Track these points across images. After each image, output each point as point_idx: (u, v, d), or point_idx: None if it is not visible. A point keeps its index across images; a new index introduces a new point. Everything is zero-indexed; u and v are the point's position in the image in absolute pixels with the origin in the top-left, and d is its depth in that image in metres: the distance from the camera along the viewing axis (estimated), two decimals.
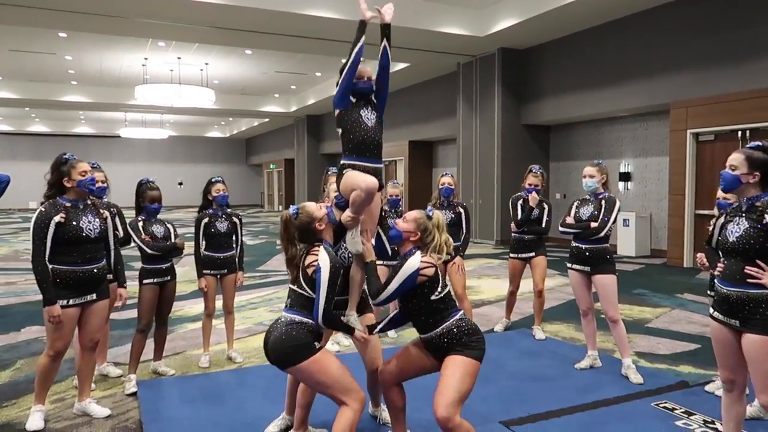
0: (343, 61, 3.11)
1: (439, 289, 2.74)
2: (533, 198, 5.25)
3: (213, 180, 4.64)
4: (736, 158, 2.67)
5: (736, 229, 2.59)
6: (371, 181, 2.92)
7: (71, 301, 3.33)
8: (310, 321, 2.73)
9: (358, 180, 2.94)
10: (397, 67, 15.46)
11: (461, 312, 2.80)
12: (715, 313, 2.67)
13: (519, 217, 5.33)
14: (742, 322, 2.53)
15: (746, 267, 2.51)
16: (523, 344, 5.22)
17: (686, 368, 4.54)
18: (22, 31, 12.99)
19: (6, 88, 19.50)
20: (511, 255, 5.54)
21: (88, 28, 11.89)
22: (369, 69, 3.19)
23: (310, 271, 2.74)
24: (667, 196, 10.53)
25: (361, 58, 3.08)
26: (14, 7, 9.88)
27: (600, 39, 11.46)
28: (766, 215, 2.50)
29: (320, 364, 2.67)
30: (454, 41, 12.39)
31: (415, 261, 2.72)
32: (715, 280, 2.71)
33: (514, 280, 5.58)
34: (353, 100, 3.14)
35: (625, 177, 12.18)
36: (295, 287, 2.82)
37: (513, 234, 5.48)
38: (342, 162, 3.11)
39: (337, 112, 3.15)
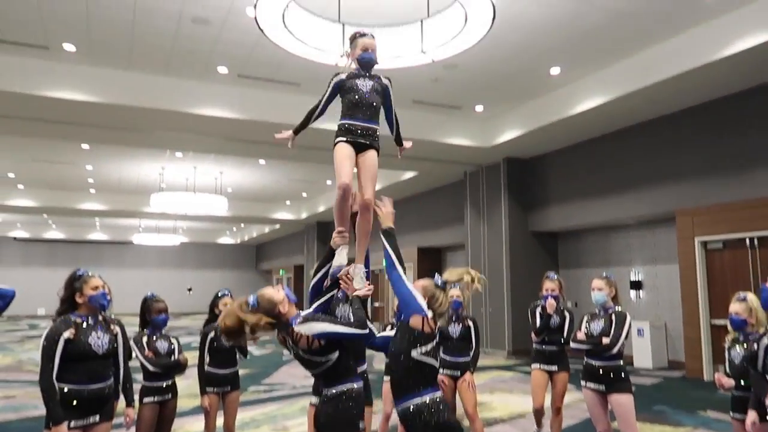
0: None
1: (425, 350, 2.56)
2: (550, 304, 5.09)
3: (220, 294, 4.63)
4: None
5: None
6: (342, 180, 2.97)
7: (73, 423, 3.20)
8: (354, 386, 2.66)
9: (338, 169, 3.03)
10: (405, 176, 15.90)
11: (439, 394, 2.56)
12: None
13: (537, 325, 5.15)
14: None
15: None
16: None
17: None
18: (46, 143, 13.61)
19: (26, 196, 20.12)
20: (533, 366, 5.27)
21: (110, 141, 12.45)
22: (374, 42, 3.29)
23: (311, 344, 2.62)
24: (681, 304, 10.32)
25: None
26: (43, 122, 10.42)
27: (602, 148, 11.78)
28: None
29: None
30: (461, 151, 12.80)
31: (425, 304, 2.65)
32: None
33: (537, 395, 5.20)
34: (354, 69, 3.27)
35: (636, 285, 12.02)
36: (318, 370, 2.70)
37: (534, 344, 5.27)
38: (338, 123, 3.20)
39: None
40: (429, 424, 2.46)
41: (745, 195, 9.09)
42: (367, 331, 2.70)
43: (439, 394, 2.58)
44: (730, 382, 3.60)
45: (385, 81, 3.36)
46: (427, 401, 2.51)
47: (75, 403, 3.20)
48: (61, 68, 9.18)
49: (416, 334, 2.58)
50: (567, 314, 5.13)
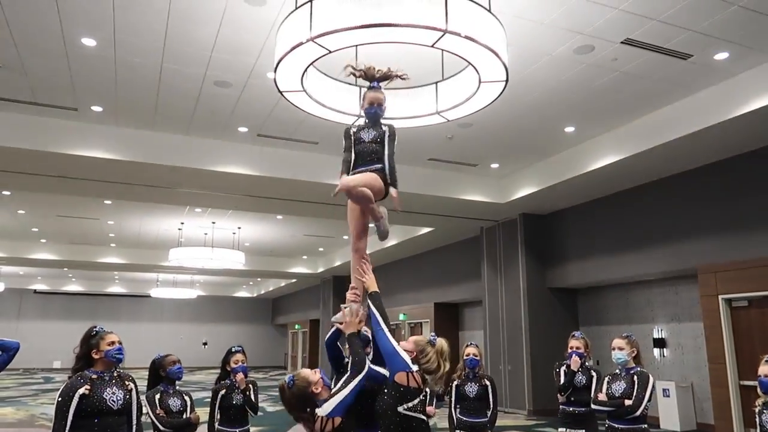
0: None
1: (411, 405, 2.59)
2: (575, 361, 4.94)
3: (233, 350, 4.62)
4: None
5: None
6: (344, 179, 3.12)
7: None
8: None
9: (349, 222, 3.16)
10: (421, 231, 15.93)
11: None
12: None
13: (561, 382, 5.01)
14: None
15: None
16: None
17: None
18: (70, 199, 13.95)
19: (48, 251, 20.46)
20: (560, 430, 5.10)
21: (131, 197, 12.73)
22: (381, 95, 3.37)
23: (328, 427, 2.65)
24: (707, 364, 10.00)
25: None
26: (68, 179, 10.72)
27: (620, 204, 11.73)
28: None
29: None
30: (477, 207, 12.85)
31: (409, 359, 2.67)
32: None
33: None
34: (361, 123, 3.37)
35: (660, 343, 11.71)
36: None
37: (560, 405, 5.12)
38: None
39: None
40: None
41: None
42: (366, 369, 2.79)
43: None
44: None
45: (384, 128, 3.43)
46: None
47: None
48: (88, 128, 9.51)
49: (402, 390, 2.62)
50: (594, 373, 4.96)
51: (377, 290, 3.00)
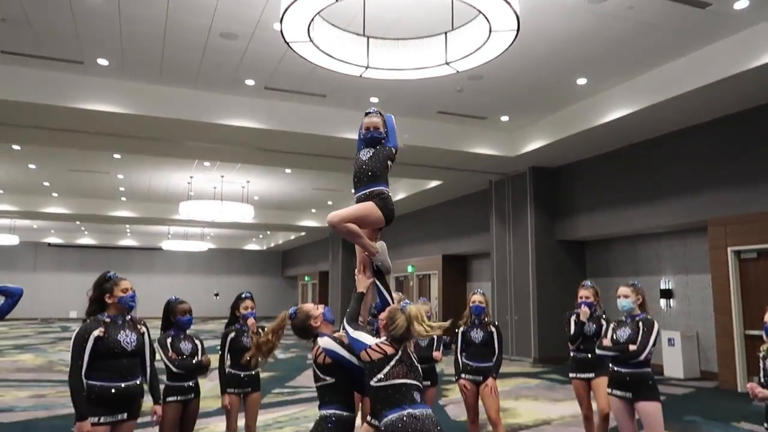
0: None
1: (380, 377, 2.72)
2: (584, 312, 5.03)
3: (243, 296, 4.73)
4: None
5: None
6: (331, 213, 3.17)
7: (102, 419, 3.30)
8: (342, 413, 2.88)
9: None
10: (430, 184, 15.92)
11: (408, 410, 2.63)
12: None
13: (572, 333, 5.11)
14: None
15: None
16: None
17: None
18: (80, 153, 14.01)
19: (60, 204, 20.69)
20: (571, 375, 5.23)
21: (141, 151, 12.77)
22: (377, 120, 3.36)
23: (320, 359, 2.93)
24: (713, 315, 10.12)
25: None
26: (77, 133, 10.75)
27: (631, 157, 11.65)
28: None
29: None
30: (486, 161, 12.79)
31: (368, 338, 2.81)
32: None
33: (581, 403, 5.18)
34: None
35: (667, 294, 11.83)
36: (319, 384, 2.97)
37: (571, 353, 5.23)
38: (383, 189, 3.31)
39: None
40: None
41: None
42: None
43: (408, 410, 2.65)
44: (764, 393, 3.54)
45: (384, 148, 3.37)
46: (394, 419, 2.64)
47: (105, 398, 3.30)
48: (95, 82, 9.47)
49: (368, 366, 2.77)
50: (603, 322, 5.02)
51: (362, 291, 3.13)
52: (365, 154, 3.33)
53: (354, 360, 2.91)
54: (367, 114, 3.40)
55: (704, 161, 10.14)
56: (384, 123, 3.38)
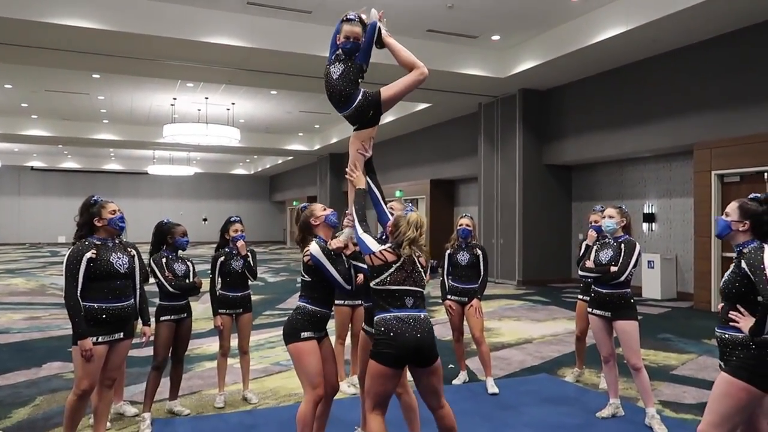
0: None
1: (378, 281, 2.95)
2: (590, 236, 4.93)
3: (232, 219, 4.73)
4: (730, 206, 2.92)
5: (727, 274, 2.81)
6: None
7: (101, 338, 3.36)
8: (310, 307, 3.25)
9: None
10: (418, 107, 15.67)
11: (395, 313, 2.90)
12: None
13: (580, 256, 5.13)
14: (724, 363, 2.72)
15: (729, 312, 2.70)
16: (544, 390, 5.10)
17: None
18: (58, 73, 13.53)
19: (41, 127, 20.20)
20: (579, 297, 5.26)
21: (120, 70, 12.34)
22: (357, 30, 3.27)
23: (306, 259, 3.24)
24: (693, 237, 10.35)
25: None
26: (52, 50, 10.32)
27: (621, 80, 11.49)
28: (743, 261, 2.69)
29: (300, 351, 3.18)
30: (475, 82, 12.55)
31: (373, 244, 3.01)
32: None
33: (579, 323, 5.27)
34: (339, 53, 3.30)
35: (649, 218, 12.02)
36: (300, 279, 3.33)
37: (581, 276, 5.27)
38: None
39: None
40: (377, 333, 2.93)
41: (766, 128, 8.89)
42: (350, 288, 3.29)
43: (394, 313, 2.91)
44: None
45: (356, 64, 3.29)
46: (380, 318, 2.94)
47: (101, 319, 3.36)
48: None
49: (370, 268, 3.02)
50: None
51: (363, 188, 3.25)
52: (336, 69, 3.26)
53: (333, 272, 3.18)
54: (348, 20, 3.25)
55: (692, 84, 10.05)
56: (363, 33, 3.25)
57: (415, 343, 2.85)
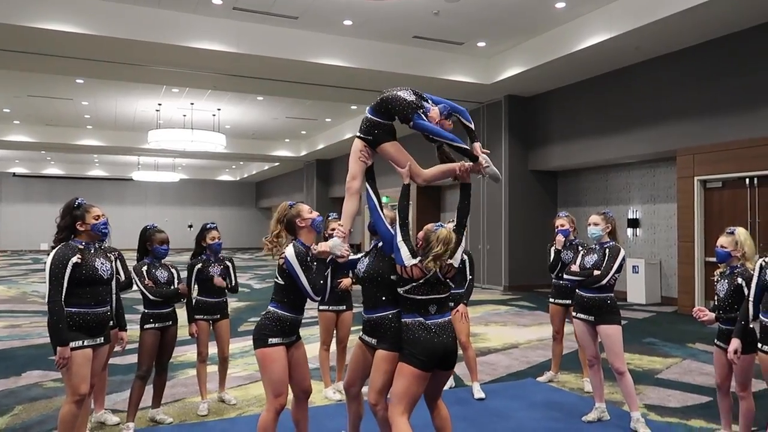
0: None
1: (404, 289, 3.03)
2: (558, 240, 5.18)
3: (208, 226, 4.71)
4: None
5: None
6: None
7: (86, 342, 3.30)
8: (280, 312, 3.18)
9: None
10: None
11: (419, 320, 2.98)
12: (765, 346, 3.24)
13: (550, 261, 5.23)
14: None
15: None
16: (530, 395, 5.10)
17: (698, 422, 4.40)
18: (41, 78, 13.37)
19: (23, 132, 19.95)
20: (550, 300, 5.41)
21: (104, 75, 12.24)
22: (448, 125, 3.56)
23: (280, 262, 3.18)
24: (677, 242, 10.45)
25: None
26: (34, 54, 10.20)
27: (605, 87, 11.61)
28: None
29: (265, 357, 3.13)
30: (461, 88, 12.60)
31: (406, 257, 3.04)
32: None
33: (553, 325, 5.44)
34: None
35: (634, 223, 12.13)
36: (274, 281, 3.26)
37: (552, 280, 5.37)
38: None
39: (411, 124, 3.43)
40: (406, 336, 3.01)
41: (747, 134, 9.02)
42: (316, 299, 3.24)
43: (419, 319, 3.00)
44: (709, 316, 3.70)
45: None
46: (408, 322, 3.03)
47: (82, 324, 3.29)
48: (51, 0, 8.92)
49: (399, 276, 3.08)
50: (581, 249, 5.08)
51: (408, 183, 3.41)
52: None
53: (303, 280, 3.12)
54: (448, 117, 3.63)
55: (676, 91, 10.17)
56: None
57: (442, 349, 2.97)
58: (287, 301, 3.20)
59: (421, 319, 3.01)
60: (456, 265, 3.11)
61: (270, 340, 3.14)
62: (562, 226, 5.17)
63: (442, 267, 3.02)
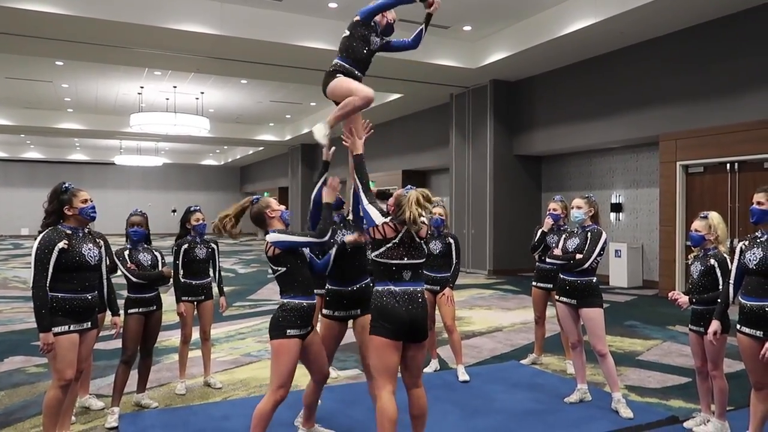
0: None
1: (377, 253, 3.03)
2: (547, 223, 5.16)
3: (192, 209, 4.75)
4: (761, 195, 3.23)
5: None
6: (371, 92, 3.34)
7: (72, 327, 3.27)
8: (294, 301, 3.16)
9: (359, 87, 3.35)
10: (390, 97, 15.64)
11: (390, 287, 2.99)
12: (743, 327, 3.24)
13: (533, 241, 5.26)
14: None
15: None
16: (513, 377, 5.17)
17: (677, 402, 4.50)
18: (18, 59, 13.10)
19: (1, 115, 19.56)
20: (533, 284, 5.45)
21: (84, 57, 12.01)
22: (395, 15, 3.57)
23: (270, 252, 3.17)
24: (658, 227, 10.59)
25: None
26: (12, 36, 9.98)
27: (590, 71, 11.65)
28: None
29: (281, 348, 3.11)
30: (447, 73, 12.57)
31: (377, 217, 3.07)
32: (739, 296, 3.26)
33: (536, 309, 5.47)
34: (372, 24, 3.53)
35: (617, 208, 12.25)
36: (275, 275, 3.24)
37: (536, 263, 5.40)
38: (336, 61, 3.48)
39: (357, 19, 3.51)
40: (373, 305, 3.03)
41: (729, 120, 9.12)
42: (324, 239, 3.21)
43: (390, 287, 3.01)
44: (683, 299, 3.77)
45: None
46: (377, 291, 3.04)
47: (69, 309, 3.26)
48: None
49: (372, 241, 3.09)
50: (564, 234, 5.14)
51: (360, 153, 3.29)
52: (374, 41, 3.58)
53: (299, 239, 3.17)
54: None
55: (659, 76, 10.24)
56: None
57: (408, 318, 2.95)
58: (297, 285, 3.19)
59: (391, 286, 2.99)
60: (426, 222, 3.14)
61: (289, 331, 3.13)
62: (554, 210, 5.17)
63: (416, 224, 3.02)
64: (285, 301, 3.18)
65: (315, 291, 3.32)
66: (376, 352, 2.96)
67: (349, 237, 3.46)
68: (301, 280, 3.20)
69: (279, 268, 3.20)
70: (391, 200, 3.12)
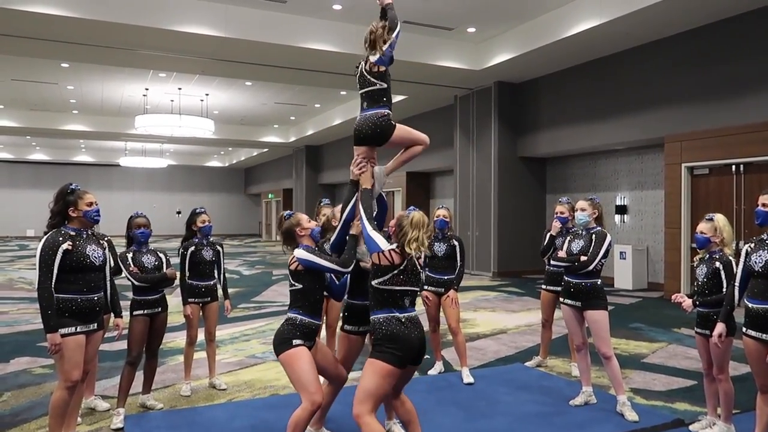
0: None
1: (381, 280, 2.99)
2: (554, 226, 5.15)
3: (197, 211, 4.76)
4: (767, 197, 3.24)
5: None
6: (427, 138, 3.73)
7: (78, 329, 3.28)
8: (300, 317, 3.19)
9: (420, 135, 3.72)
10: (394, 99, 15.61)
11: (395, 314, 2.97)
12: (749, 330, 3.22)
13: (543, 245, 5.25)
14: None
15: None
16: (518, 380, 5.16)
17: (682, 405, 4.48)
18: (25, 61, 13.17)
19: (7, 117, 19.65)
20: (543, 288, 5.46)
21: (90, 59, 12.06)
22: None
23: (293, 267, 3.21)
24: (663, 229, 10.55)
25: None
26: (18, 38, 10.03)
27: (595, 73, 11.62)
28: None
29: (292, 358, 3.11)
30: (451, 74, 12.57)
31: (383, 243, 3.04)
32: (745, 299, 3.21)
33: (543, 311, 5.49)
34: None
35: (621, 210, 12.22)
36: (290, 289, 3.28)
37: (546, 266, 5.41)
38: (386, 111, 3.68)
39: (383, 69, 3.68)
40: (380, 333, 2.97)
41: (734, 121, 9.09)
42: (347, 269, 3.22)
43: (395, 314, 2.99)
44: (687, 302, 3.76)
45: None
46: (381, 318, 2.99)
47: (75, 310, 3.27)
48: None
49: (375, 267, 3.05)
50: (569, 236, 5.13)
51: (369, 188, 3.39)
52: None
53: (325, 263, 3.17)
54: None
55: (664, 78, 10.20)
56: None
57: (418, 344, 2.97)
58: (307, 304, 3.22)
59: (396, 313, 2.98)
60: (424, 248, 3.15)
61: (294, 341, 3.15)
62: (561, 213, 5.17)
63: (419, 250, 3.03)
64: (292, 315, 3.21)
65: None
66: (375, 377, 2.90)
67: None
68: (312, 300, 3.24)
69: (296, 284, 3.23)
70: (392, 222, 3.14)
